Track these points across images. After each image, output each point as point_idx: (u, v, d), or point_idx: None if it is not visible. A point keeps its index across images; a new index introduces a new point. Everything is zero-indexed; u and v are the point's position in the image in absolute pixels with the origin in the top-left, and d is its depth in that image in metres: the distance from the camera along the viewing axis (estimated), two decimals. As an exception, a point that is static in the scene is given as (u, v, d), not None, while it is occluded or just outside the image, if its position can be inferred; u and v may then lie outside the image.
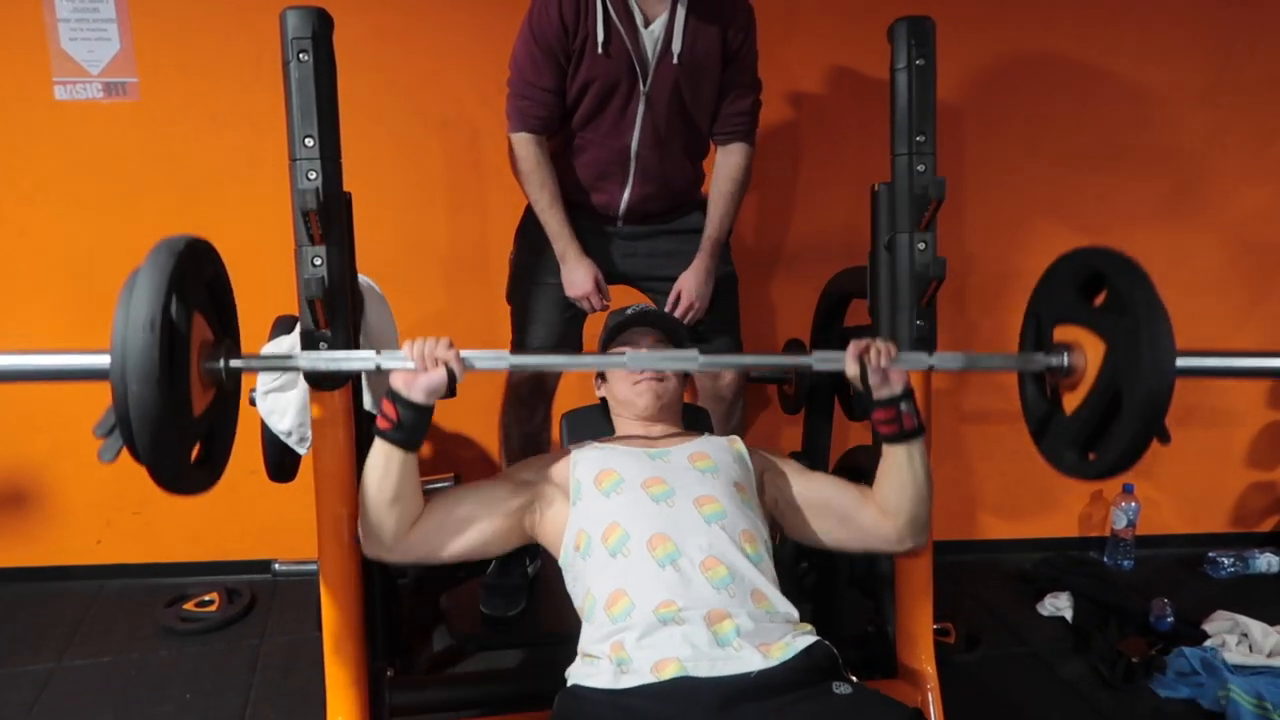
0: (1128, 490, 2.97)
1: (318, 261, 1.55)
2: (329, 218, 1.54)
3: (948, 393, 2.98)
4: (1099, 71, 2.85)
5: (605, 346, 1.83)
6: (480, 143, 2.65)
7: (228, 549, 2.81)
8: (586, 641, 1.43)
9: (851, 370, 1.51)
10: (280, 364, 1.61)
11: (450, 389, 1.45)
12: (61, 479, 2.73)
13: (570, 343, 2.29)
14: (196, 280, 1.32)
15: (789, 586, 1.50)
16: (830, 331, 2.27)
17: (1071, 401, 1.55)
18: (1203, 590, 2.81)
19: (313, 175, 1.54)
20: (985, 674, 2.31)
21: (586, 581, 1.47)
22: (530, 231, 2.22)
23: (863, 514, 1.61)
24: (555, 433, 2.37)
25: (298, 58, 1.53)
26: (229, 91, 2.56)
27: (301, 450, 1.94)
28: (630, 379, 1.72)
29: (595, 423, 1.98)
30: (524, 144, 2.11)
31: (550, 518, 1.59)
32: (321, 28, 1.54)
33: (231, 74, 2.55)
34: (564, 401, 2.29)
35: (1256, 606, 2.48)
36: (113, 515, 2.76)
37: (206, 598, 2.58)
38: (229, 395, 1.45)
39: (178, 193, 2.59)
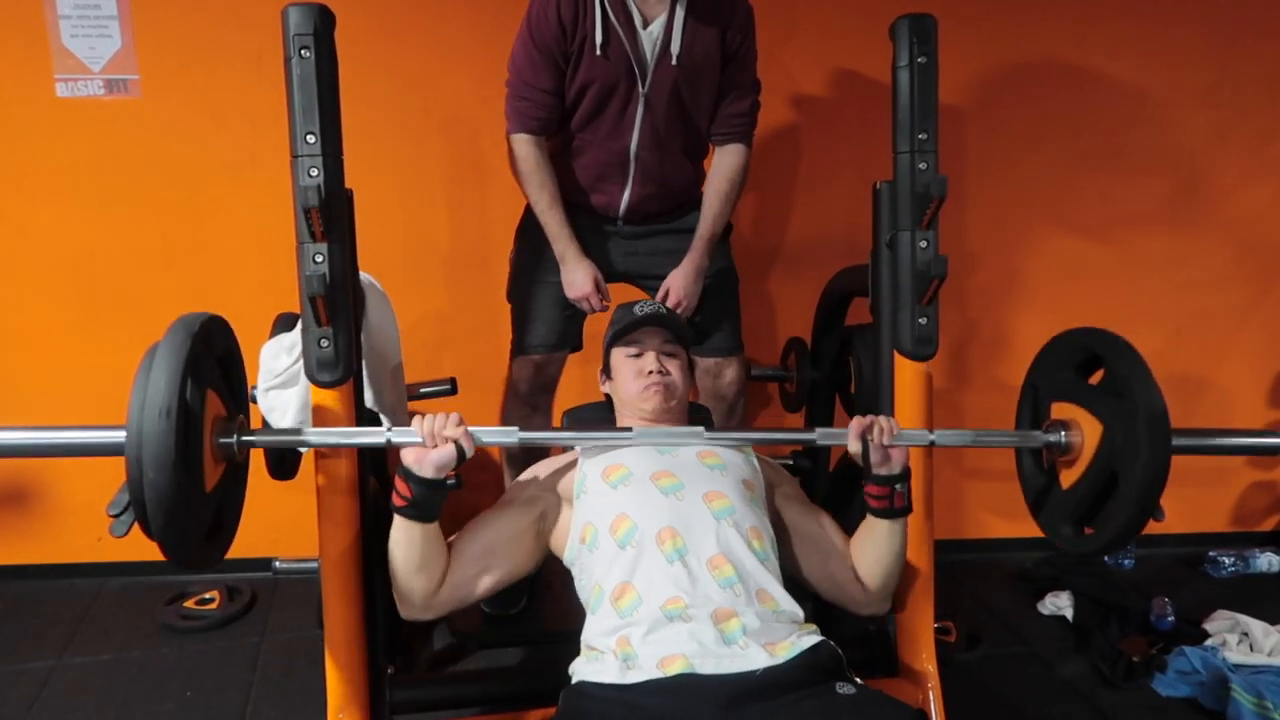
0: (1128, 489, 2.96)
1: (319, 259, 1.55)
2: (330, 215, 1.54)
3: (948, 392, 2.98)
4: (1100, 70, 2.85)
5: (612, 344, 1.83)
6: (481, 142, 2.65)
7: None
8: (591, 634, 1.43)
9: (854, 447, 1.54)
10: (292, 440, 1.61)
11: (460, 463, 1.46)
12: (62, 477, 2.73)
13: (570, 342, 2.30)
14: (210, 358, 1.35)
15: (791, 585, 1.50)
16: (831, 330, 2.28)
17: (1068, 477, 1.62)
18: (1203, 589, 2.81)
19: (314, 172, 1.53)
20: (986, 673, 2.31)
21: (594, 574, 1.48)
22: (530, 231, 2.22)
23: (843, 568, 1.65)
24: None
25: (299, 54, 1.53)
26: (230, 88, 2.56)
27: (302, 448, 1.94)
28: (639, 381, 1.72)
29: (598, 420, 1.97)
30: (523, 145, 2.11)
31: (559, 524, 1.61)
32: (323, 24, 1.54)
33: (233, 71, 2.55)
34: (565, 399, 2.30)
35: (1257, 606, 2.48)
36: (113, 513, 2.76)
37: (207, 596, 2.58)
38: (239, 468, 1.47)
39: (179, 190, 2.59)
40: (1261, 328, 3.08)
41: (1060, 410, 1.64)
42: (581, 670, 1.38)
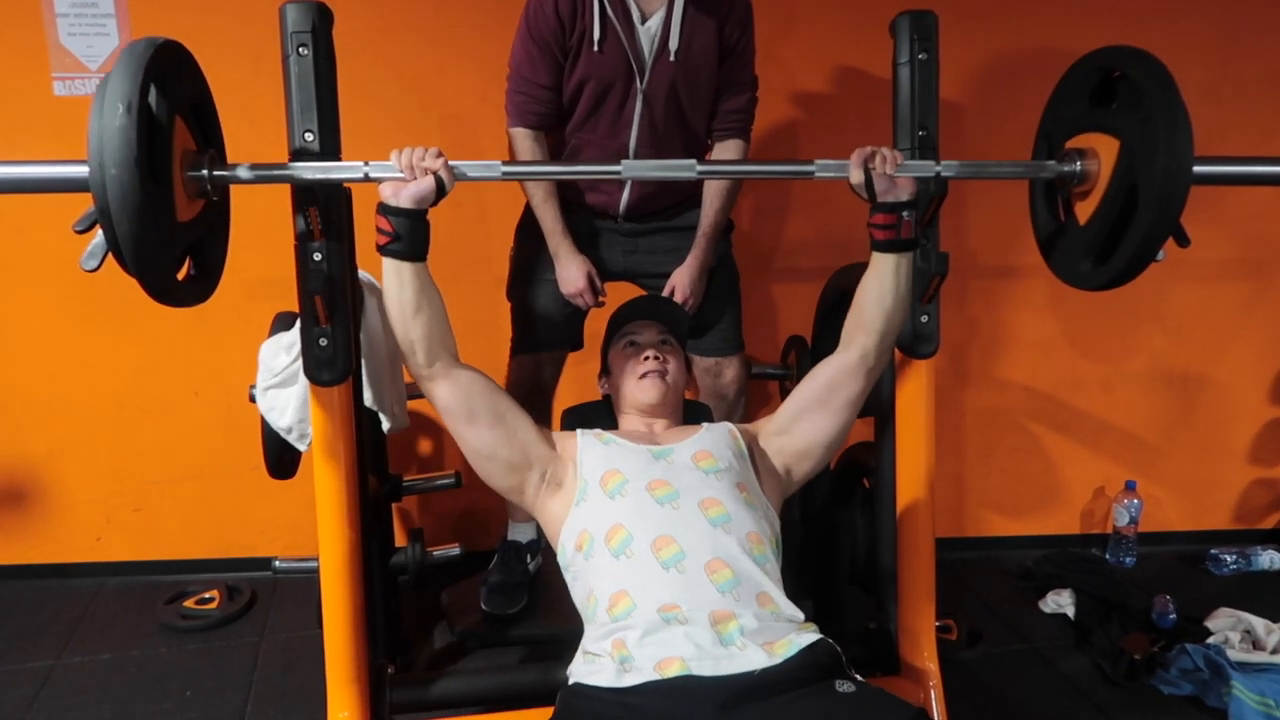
0: (1130, 487, 2.96)
1: (318, 257, 1.55)
2: (329, 213, 1.54)
3: (950, 389, 2.98)
4: (1101, 67, 2.84)
5: (610, 340, 1.82)
6: (480, 139, 2.64)
7: (228, 546, 2.80)
8: (588, 641, 1.42)
9: (856, 177, 1.51)
10: (270, 176, 1.49)
11: (439, 196, 1.45)
12: (61, 476, 2.73)
13: (571, 339, 2.29)
14: (177, 82, 1.30)
15: (791, 583, 1.50)
16: (833, 328, 2.26)
17: (1085, 210, 1.50)
18: (1205, 587, 2.81)
19: (312, 170, 1.53)
20: (987, 671, 2.30)
21: (589, 582, 1.46)
22: (530, 228, 2.22)
23: (831, 372, 1.60)
24: (556, 430, 2.36)
25: (297, 52, 1.53)
26: (228, 87, 2.51)
27: (302, 447, 1.94)
28: (637, 370, 1.71)
29: (597, 419, 1.96)
30: (521, 139, 2.11)
31: (554, 498, 1.57)
32: (321, 22, 1.54)
33: (231, 69, 2.51)
34: (564, 398, 2.29)
35: (1259, 603, 2.48)
36: (112, 512, 2.76)
37: (207, 595, 2.58)
38: (216, 208, 1.42)
39: (177, 189, 2.58)
40: (1262, 325, 3.07)
41: (1076, 144, 1.53)
42: (578, 672, 1.37)
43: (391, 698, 1.74)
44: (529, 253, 2.24)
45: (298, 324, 1.63)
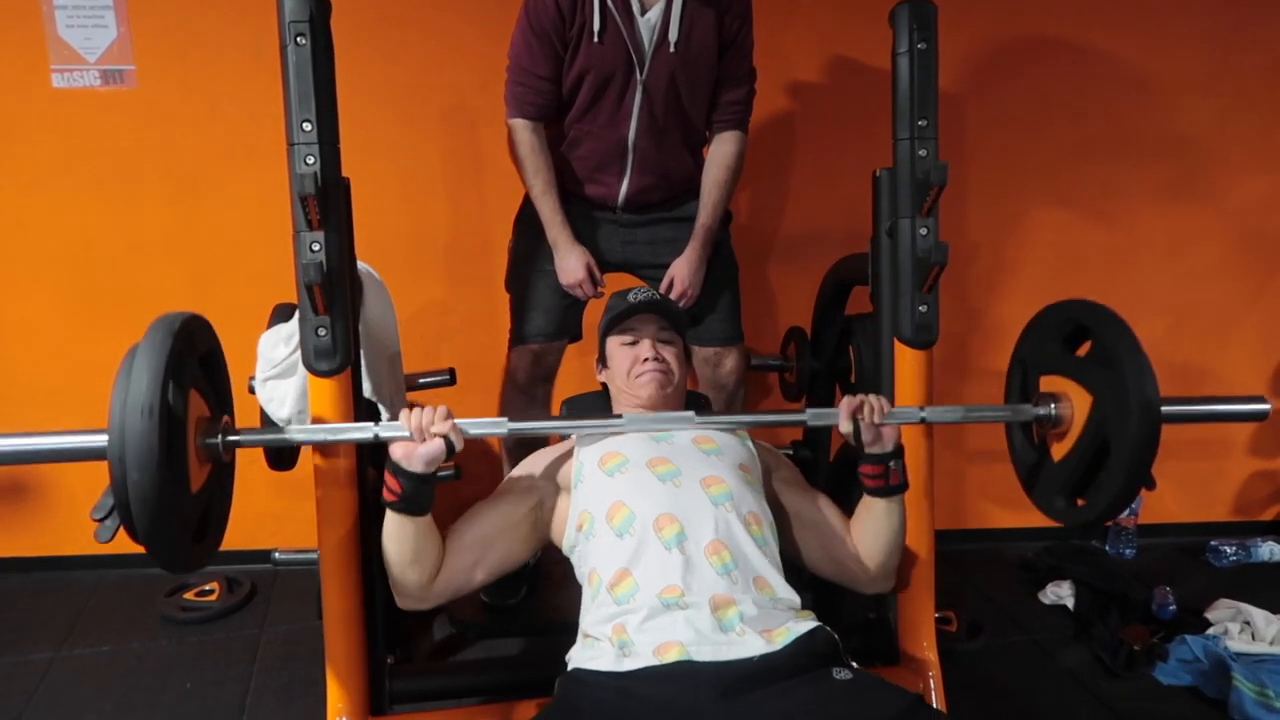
0: (1129, 479, 2.96)
1: (316, 247, 1.54)
2: (327, 203, 1.54)
3: (950, 380, 2.97)
4: (1102, 58, 2.83)
5: (607, 333, 1.82)
6: (479, 131, 2.64)
7: (227, 538, 2.75)
8: (589, 622, 1.42)
9: (845, 428, 1.54)
10: (277, 439, 1.57)
11: (449, 456, 1.45)
12: (60, 469, 2.71)
13: (570, 329, 2.29)
14: (192, 358, 1.34)
15: (790, 573, 1.50)
16: (831, 319, 2.27)
17: (1059, 450, 1.63)
18: (1205, 579, 2.81)
19: (310, 160, 1.53)
20: (987, 662, 2.30)
21: (591, 560, 1.47)
22: (529, 219, 2.22)
23: (844, 548, 1.64)
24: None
25: (295, 41, 1.52)
26: (227, 78, 2.54)
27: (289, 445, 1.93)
28: (634, 369, 1.72)
29: (596, 409, 1.97)
30: (521, 130, 2.11)
31: (556, 513, 1.61)
32: (319, 11, 1.53)
33: (230, 61, 2.53)
34: (564, 388, 2.29)
35: (1259, 595, 2.47)
36: (112, 505, 2.76)
37: (207, 587, 2.58)
38: (225, 468, 1.47)
39: (176, 181, 2.58)
40: (1262, 317, 3.07)
41: (1049, 384, 1.65)
42: (578, 657, 1.38)
43: (391, 688, 1.74)
44: (528, 244, 2.24)
45: (296, 315, 1.63)
